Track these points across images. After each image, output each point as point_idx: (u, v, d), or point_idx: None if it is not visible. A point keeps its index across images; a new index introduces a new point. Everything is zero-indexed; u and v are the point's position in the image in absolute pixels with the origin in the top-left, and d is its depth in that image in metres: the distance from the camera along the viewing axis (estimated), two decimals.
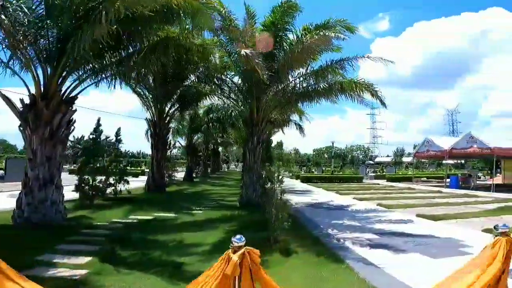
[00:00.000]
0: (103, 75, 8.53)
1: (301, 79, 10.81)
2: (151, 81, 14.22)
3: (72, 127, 8.10)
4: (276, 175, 6.01)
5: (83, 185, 10.48)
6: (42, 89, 7.48)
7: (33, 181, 7.26)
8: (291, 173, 38.74)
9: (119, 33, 7.27)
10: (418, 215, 9.74)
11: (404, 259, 5.03)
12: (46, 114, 7.39)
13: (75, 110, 8.12)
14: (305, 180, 28.07)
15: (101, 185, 10.95)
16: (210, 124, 23.51)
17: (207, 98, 14.72)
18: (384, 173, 36.98)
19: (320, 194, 17.18)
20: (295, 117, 21.83)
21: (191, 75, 11.81)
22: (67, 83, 7.96)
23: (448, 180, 24.03)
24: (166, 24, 7.46)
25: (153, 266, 4.53)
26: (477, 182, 24.55)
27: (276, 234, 5.86)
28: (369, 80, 10.39)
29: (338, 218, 9.20)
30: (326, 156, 77.56)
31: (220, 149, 44.26)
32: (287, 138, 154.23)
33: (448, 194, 17.67)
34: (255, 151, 11.04)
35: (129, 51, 8.19)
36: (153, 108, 15.25)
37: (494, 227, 2.53)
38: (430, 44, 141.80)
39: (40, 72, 7.51)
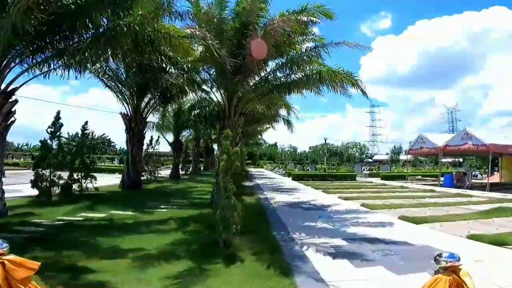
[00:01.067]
0: (48, 66, 7.71)
1: (275, 68, 9.93)
2: (124, 74, 13.36)
3: (12, 119, 7.33)
4: (223, 170, 5.17)
5: (39, 181, 9.71)
6: None
7: None
8: (284, 170, 38.04)
9: (55, 23, 6.49)
10: (401, 217, 8.91)
11: (363, 274, 4.21)
12: None
13: (15, 101, 7.35)
14: (296, 178, 27.27)
15: (59, 181, 10.16)
16: (197, 119, 22.67)
17: (190, 93, 13.89)
18: (379, 171, 36.16)
19: (306, 193, 16.40)
20: (283, 112, 21.31)
21: (170, 68, 10.92)
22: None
23: (442, 178, 23.20)
24: (103, 11, 6.53)
25: (51, 270, 3.75)
26: (473, 180, 23.71)
27: (224, 238, 5.06)
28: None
29: (313, 219, 8.39)
30: (322, 153, 76.75)
31: (215, 146, 43.42)
32: (288, 136, 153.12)
33: (440, 193, 16.83)
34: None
35: (74, 40, 7.34)
36: (127, 102, 14.41)
37: (435, 259, 1.70)
38: (431, 43, 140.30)
39: None
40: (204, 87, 10.94)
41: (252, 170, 49.64)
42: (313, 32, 10.20)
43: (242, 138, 19.00)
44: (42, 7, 6.13)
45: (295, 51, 9.49)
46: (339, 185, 22.25)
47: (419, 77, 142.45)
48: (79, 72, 8.10)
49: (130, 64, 12.27)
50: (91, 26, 6.85)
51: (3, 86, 7.01)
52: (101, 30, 7.15)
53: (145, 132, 15.53)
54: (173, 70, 10.75)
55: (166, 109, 17.00)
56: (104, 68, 12.55)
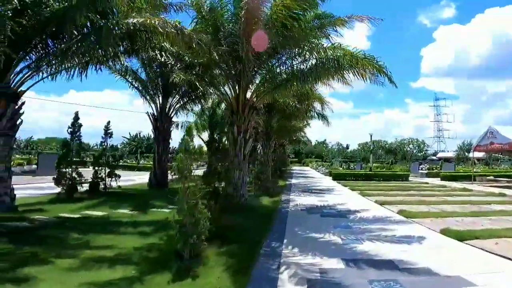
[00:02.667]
0: (52, 68, 7.87)
1: (286, 57, 8.80)
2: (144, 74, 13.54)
3: (19, 121, 7.65)
4: (184, 168, 4.40)
5: (62, 178, 10.21)
6: None
7: None
8: (327, 169, 35.84)
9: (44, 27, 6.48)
10: (443, 231, 7.09)
11: None
12: None
13: (23, 103, 7.67)
14: (337, 177, 25.22)
15: (81, 178, 10.59)
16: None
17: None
18: (439, 171, 31.64)
19: (338, 195, 14.79)
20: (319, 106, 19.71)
21: (176, 63, 10.60)
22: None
23: None
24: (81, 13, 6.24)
25: None
26: None
27: (179, 251, 4.32)
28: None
29: (324, 230, 7.13)
30: (380, 151, 71.31)
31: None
32: (343, 133, 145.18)
33: None
34: (236, 143, 9.43)
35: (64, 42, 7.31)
36: (153, 101, 14.63)
37: None
38: (505, 31, 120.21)
39: None
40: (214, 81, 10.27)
41: (296, 168, 48.13)
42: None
43: (263, 134, 18.03)
44: (30, 11, 6.15)
45: (302, 32, 8.21)
46: (385, 186, 19.82)
47: (493, 67, 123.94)
48: (80, 73, 8.13)
49: (149, 63, 12.31)
50: (75, 28, 6.69)
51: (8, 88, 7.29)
52: (85, 30, 6.96)
53: (172, 131, 15.65)
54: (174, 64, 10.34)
55: (191, 108, 16.88)
56: (125, 68, 12.81)
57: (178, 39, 6.39)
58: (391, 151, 61.13)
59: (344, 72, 8.98)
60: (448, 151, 67.78)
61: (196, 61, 9.40)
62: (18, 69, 7.47)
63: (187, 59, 9.39)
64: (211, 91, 10.92)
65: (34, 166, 21.08)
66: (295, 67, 9.23)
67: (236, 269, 4.23)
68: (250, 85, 9.57)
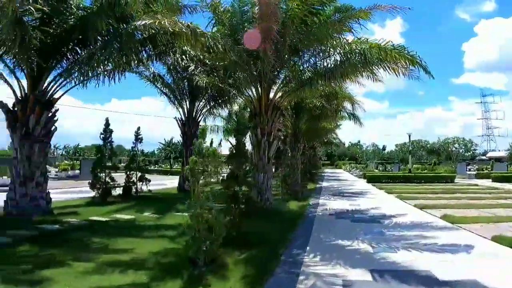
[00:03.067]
0: (85, 75, 8.27)
1: (309, 55, 8.40)
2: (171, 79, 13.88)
3: (53, 127, 8.10)
4: (198, 171, 4.25)
5: (97, 183, 10.72)
6: (19, 93, 7.70)
7: (15, 178, 7.61)
8: (362, 171, 34.18)
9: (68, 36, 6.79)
10: (496, 238, 6.21)
11: None
12: (21, 116, 7.56)
13: (56, 110, 8.12)
14: (372, 180, 23.87)
15: (113, 183, 11.04)
16: None
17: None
18: (490, 172, 28.64)
19: (372, 199, 13.89)
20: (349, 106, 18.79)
21: (197, 66, 10.69)
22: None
23: None
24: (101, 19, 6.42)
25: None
26: None
27: (193, 257, 4.15)
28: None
29: (353, 236, 6.59)
30: (421, 152, 66.88)
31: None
32: (379, 134, 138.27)
33: None
34: (260, 146, 9.19)
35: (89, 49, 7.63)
36: (181, 106, 14.96)
37: None
38: None
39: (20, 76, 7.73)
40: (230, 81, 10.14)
41: (328, 171, 46.66)
42: None
43: (291, 136, 17.55)
44: (56, 20, 6.49)
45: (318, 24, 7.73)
46: (426, 189, 18.31)
47: None
48: (109, 79, 8.47)
49: (173, 68, 12.59)
50: (98, 35, 6.93)
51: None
52: (108, 37, 7.19)
53: (198, 135, 15.84)
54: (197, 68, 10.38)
55: (218, 112, 16.99)
56: (153, 74, 13.24)
57: (192, 38, 6.33)
58: (434, 151, 56.85)
59: (373, 67, 8.39)
60: (499, 150, 61.52)
61: (217, 63, 9.37)
62: (51, 77, 7.95)
63: (208, 62, 9.38)
64: (234, 92, 10.81)
65: (78, 171, 22.65)
66: (318, 65, 8.81)
67: (251, 279, 3.96)
68: (272, 86, 9.32)
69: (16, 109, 7.59)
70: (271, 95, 9.34)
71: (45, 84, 7.84)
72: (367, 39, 7.80)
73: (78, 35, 7.09)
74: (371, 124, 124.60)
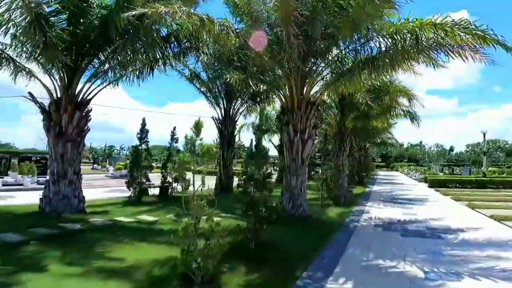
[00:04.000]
0: (114, 74, 8.37)
1: (348, 41, 7.21)
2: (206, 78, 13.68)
3: (86, 127, 8.30)
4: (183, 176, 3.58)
5: (133, 182, 10.90)
6: (54, 93, 8.01)
7: (49, 177, 7.92)
8: (422, 174, 30.41)
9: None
10: None
11: None
12: (55, 116, 7.84)
13: (89, 110, 8.32)
14: (436, 184, 20.83)
15: (148, 183, 11.12)
16: None
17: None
18: None
19: (433, 207, 11.85)
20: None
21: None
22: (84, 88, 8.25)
23: None
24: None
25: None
26: None
27: (192, 270, 3.50)
28: None
29: (399, 255, 5.31)
30: (498, 153, 57.96)
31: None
32: (445, 134, 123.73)
33: None
34: (293, 145, 8.26)
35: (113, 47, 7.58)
36: (218, 105, 14.72)
37: None
38: None
39: (55, 78, 8.02)
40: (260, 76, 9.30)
41: (382, 173, 42.80)
42: None
43: (336, 135, 16.04)
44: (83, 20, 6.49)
45: None
46: (506, 196, 15.22)
47: None
48: (137, 78, 8.43)
49: (208, 66, 12.33)
50: (118, 32, 6.74)
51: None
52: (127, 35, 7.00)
53: (236, 135, 15.45)
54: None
55: (257, 110, 16.34)
56: (191, 73, 13.18)
57: (204, 27, 5.75)
58: None
59: (430, 52, 6.86)
60: None
61: (244, 57, 8.70)
62: (85, 78, 8.18)
63: (237, 58, 8.74)
64: (266, 88, 10.02)
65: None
66: (359, 54, 7.54)
67: None
68: (307, 79, 8.29)
69: (50, 109, 7.92)
70: (306, 89, 8.31)
71: (79, 85, 8.07)
72: (416, 18, 6.34)
73: (102, 35, 7.08)
74: (437, 123, 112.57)
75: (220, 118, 14.79)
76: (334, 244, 6.06)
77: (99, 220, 7.20)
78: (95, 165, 33.62)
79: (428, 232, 7.47)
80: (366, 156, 32.68)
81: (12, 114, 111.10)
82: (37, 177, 14.70)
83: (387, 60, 7.56)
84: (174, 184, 12.22)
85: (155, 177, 12.34)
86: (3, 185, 13.27)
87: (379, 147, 49.22)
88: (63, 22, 7.43)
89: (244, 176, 5.24)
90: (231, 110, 14.74)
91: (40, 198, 7.97)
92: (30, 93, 8.12)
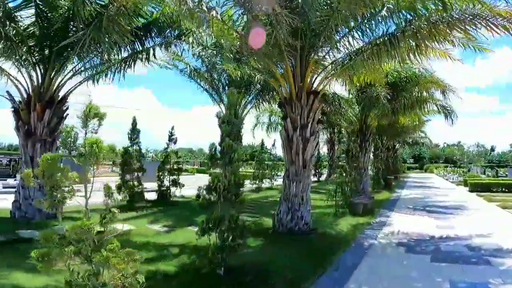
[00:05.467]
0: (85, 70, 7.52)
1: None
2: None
3: (61, 127, 7.55)
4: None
5: (123, 186, 10.03)
6: (26, 91, 7.30)
7: (20, 180, 7.46)
8: (461, 177, 27.15)
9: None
10: None
11: None
12: (24, 114, 7.16)
13: (64, 108, 7.54)
14: (478, 188, 18.07)
15: (140, 186, 10.20)
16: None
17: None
18: None
19: (477, 217, 9.75)
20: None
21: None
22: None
23: None
24: None
25: None
26: None
27: None
28: None
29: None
30: None
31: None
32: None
33: None
34: (292, 144, 6.82)
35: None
36: (220, 101, 13.58)
37: None
38: None
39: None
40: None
41: (413, 176, 39.29)
42: None
43: (358, 133, 14.25)
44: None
45: None
46: None
47: None
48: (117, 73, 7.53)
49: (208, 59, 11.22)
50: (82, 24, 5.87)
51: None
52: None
53: (242, 134, 14.12)
54: None
55: (265, 106, 14.98)
56: (192, 69, 12.17)
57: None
58: None
59: (466, 25, 5.19)
60: None
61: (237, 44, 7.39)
62: (58, 75, 7.36)
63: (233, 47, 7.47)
64: (263, 78, 8.61)
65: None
66: (370, 30, 5.99)
67: None
68: (307, 64, 6.78)
69: (19, 107, 7.20)
70: (307, 76, 6.80)
71: (55, 82, 7.30)
72: None
73: (67, 28, 6.27)
74: (477, 122, 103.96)
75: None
76: (332, 273, 4.52)
77: (61, 228, 6.30)
78: (114, 168, 34.00)
79: (470, 254, 5.68)
80: (395, 157, 29.99)
81: None
82: None
83: (409, 39, 5.97)
84: (173, 189, 11.27)
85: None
86: (3, 187, 13.10)
87: (411, 147, 45.59)
88: (32, 17, 6.76)
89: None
90: (239, 106, 13.48)
91: (12, 203, 7.30)
92: (8, 92, 7.50)
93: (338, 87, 13.20)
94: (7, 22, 6.24)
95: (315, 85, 7.18)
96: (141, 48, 7.72)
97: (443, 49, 8.96)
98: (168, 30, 7.58)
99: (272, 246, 5.59)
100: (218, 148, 13.26)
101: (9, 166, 16.29)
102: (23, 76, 7.30)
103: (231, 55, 8.10)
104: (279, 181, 16.22)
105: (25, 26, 6.90)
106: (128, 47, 7.46)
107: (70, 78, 7.58)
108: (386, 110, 13.72)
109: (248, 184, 16.22)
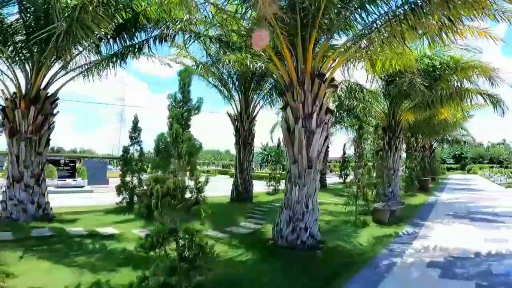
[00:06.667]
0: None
1: None
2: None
3: (48, 124, 7.09)
4: None
5: (123, 187, 9.49)
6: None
7: (6, 180, 7.11)
8: (509, 177, 23.81)
9: None
10: None
11: None
12: (9, 112, 6.87)
13: (51, 106, 7.13)
14: None
15: (139, 189, 9.56)
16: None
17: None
18: None
19: None
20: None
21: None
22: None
23: None
24: None
25: None
26: None
27: None
28: None
29: None
30: None
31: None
32: None
33: None
34: (294, 138, 5.68)
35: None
36: (231, 98, 12.67)
37: None
38: None
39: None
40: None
41: (454, 177, 35.56)
42: None
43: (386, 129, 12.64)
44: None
45: None
46: None
47: None
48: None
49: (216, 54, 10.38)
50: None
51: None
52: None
53: (254, 132, 13.09)
54: None
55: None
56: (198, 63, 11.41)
57: None
58: None
59: None
60: None
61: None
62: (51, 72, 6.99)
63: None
64: (264, 65, 7.51)
65: None
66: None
67: None
68: (309, 41, 5.60)
69: (5, 105, 6.86)
70: (311, 56, 5.62)
71: (33, 78, 6.88)
72: None
73: (49, 23, 5.80)
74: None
75: (235, 113, 12.69)
76: None
77: (45, 230, 5.93)
78: None
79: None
80: (432, 156, 27.18)
81: (94, 121, 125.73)
82: (57, 180, 14.59)
83: (438, 11, 4.65)
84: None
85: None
86: (57, 187, 13.42)
87: (451, 146, 41.51)
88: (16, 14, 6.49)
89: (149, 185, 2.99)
90: (249, 103, 12.50)
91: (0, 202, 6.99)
92: (2, 91, 7.22)
93: (361, 77, 11.82)
94: None
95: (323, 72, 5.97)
96: (134, 42, 7.15)
97: (482, 28, 7.49)
98: (163, 22, 6.90)
99: (262, 264, 4.51)
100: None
101: (69, 167, 16.65)
102: (11, 73, 6.96)
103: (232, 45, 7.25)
104: None
105: (9, 23, 6.54)
106: (120, 40, 6.92)
107: (56, 74, 7.12)
108: (425, 99, 11.90)
109: (264, 186, 15.30)
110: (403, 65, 8.57)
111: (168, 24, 7.07)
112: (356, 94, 12.55)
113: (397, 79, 10.91)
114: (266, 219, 8.15)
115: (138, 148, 9.79)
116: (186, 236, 2.97)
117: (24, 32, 6.53)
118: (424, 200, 13.77)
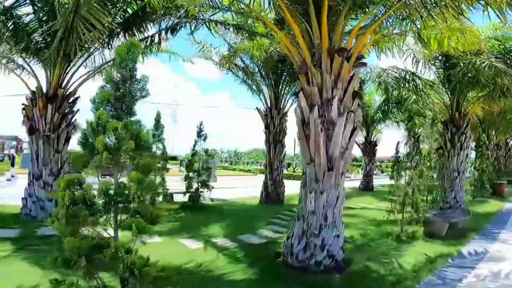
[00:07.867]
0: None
1: None
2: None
3: (66, 122, 7.15)
4: None
5: None
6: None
7: (28, 177, 7.13)
8: None
9: None
10: None
11: None
12: (28, 111, 7.03)
13: (70, 104, 7.18)
14: None
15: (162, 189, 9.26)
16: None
17: None
18: None
19: None
20: None
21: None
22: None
23: None
24: None
25: None
26: None
27: None
28: None
29: None
30: None
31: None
32: None
33: None
34: (309, 133, 4.60)
35: None
36: (260, 92, 11.82)
37: None
38: None
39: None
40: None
41: None
42: None
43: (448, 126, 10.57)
44: None
45: None
46: None
47: None
48: None
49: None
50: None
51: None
52: None
53: (286, 128, 11.99)
54: None
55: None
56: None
57: None
58: None
59: None
60: None
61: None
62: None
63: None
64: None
65: None
66: None
67: None
68: (323, 9, 4.45)
69: (27, 104, 7.02)
70: (328, 29, 4.47)
71: (50, 76, 6.93)
72: None
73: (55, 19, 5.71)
74: None
75: (265, 108, 11.79)
76: None
77: (47, 229, 5.71)
78: (181, 167, 36.17)
79: None
80: (509, 156, 22.74)
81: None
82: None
83: None
84: (204, 190, 10.07)
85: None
86: None
87: None
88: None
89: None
90: (279, 97, 11.49)
91: (22, 199, 7.15)
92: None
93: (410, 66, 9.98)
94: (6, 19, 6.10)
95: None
96: (145, 35, 6.90)
97: None
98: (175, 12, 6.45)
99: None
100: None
101: None
102: (31, 72, 7.15)
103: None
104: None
105: (26, 22, 6.66)
106: (126, 34, 6.67)
107: (74, 73, 7.15)
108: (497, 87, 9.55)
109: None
110: (467, 44, 6.82)
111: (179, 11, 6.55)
112: (407, 83, 10.69)
113: (461, 62, 8.87)
114: (290, 226, 7.11)
115: (161, 146, 9.49)
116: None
117: (40, 31, 6.57)
118: (498, 208, 11.21)
